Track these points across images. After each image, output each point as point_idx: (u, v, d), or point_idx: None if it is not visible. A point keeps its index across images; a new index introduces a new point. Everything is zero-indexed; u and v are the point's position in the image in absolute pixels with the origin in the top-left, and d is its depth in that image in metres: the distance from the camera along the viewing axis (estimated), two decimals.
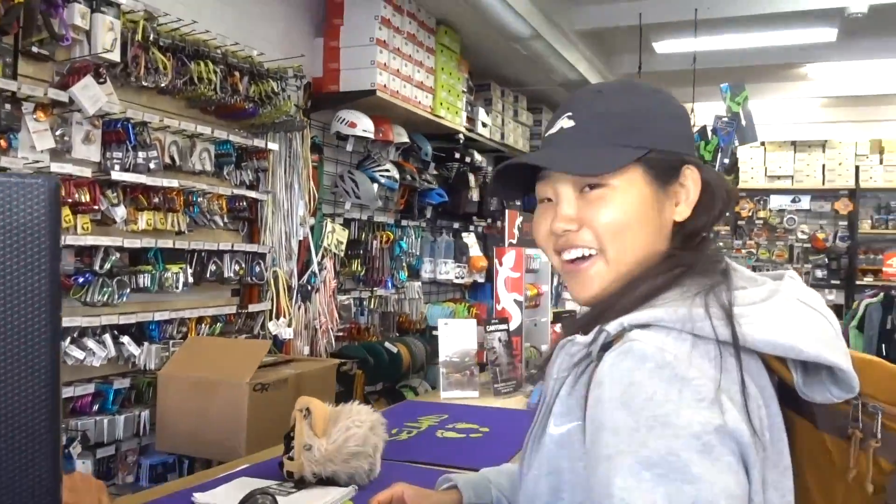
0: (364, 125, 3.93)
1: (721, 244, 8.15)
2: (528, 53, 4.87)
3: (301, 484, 1.26)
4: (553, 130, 0.94)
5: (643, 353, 0.76)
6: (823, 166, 8.05)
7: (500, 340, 2.27)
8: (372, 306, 4.43)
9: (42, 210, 0.48)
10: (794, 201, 8.22)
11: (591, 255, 0.90)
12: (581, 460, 0.80)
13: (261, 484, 1.29)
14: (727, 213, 0.95)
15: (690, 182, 0.91)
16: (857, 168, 7.95)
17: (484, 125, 5.25)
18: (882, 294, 6.04)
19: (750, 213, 8.31)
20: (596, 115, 0.91)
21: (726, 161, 3.84)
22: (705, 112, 4.99)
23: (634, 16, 4.71)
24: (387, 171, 4.16)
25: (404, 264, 4.67)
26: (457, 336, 2.25)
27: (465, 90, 4.92)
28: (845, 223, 8.09)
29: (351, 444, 1.24)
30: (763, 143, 8.02)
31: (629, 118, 0.90)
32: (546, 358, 0.95)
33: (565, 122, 0.92)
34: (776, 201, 8.27)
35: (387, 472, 1.32)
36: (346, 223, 4.22)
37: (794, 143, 8.13)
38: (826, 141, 8.04)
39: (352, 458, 1.24)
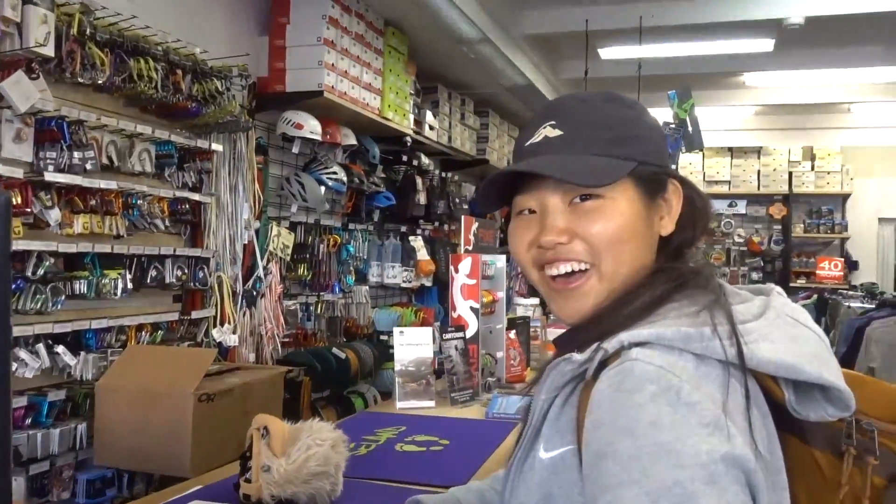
0: (311, 127, 3.85)
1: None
2: (476, 57, 4.86)
3: None
4: (535, 140, 0.90)
5: (645, 373, 0.73)
6: (759, 172, 8.31)
7: (456, 348, 2.23)
8: (319, 311, 4.35)
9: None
10: (730, 206, 8.46)
11: (583, 271, 0.87)
12: (575, 486, 0.76)
13: None
14: (706, 230, 0.94)
15: (673, 196, 0.90)
16: (790, 174, 8.23)
17: (431, 128, 5.22)
18: (815, 296, 6.27)
19: None
20: (585, 124, 0.89)
21: (674, 167, 3.89)
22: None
23: (581, 22, 4.76)
24: (334, 173, 4.09)
25: (351, 268, 4.60)
26: (412, 344, 2.21)
27: (413, 92, 4.88)
28: (779, 227, 8.38)
29: (312, 463, 1.18)
30: (702, 150, 8.25)
31: (618, 129, 0.89)
32: (536, 377, 0.90)
33: (549, 132, 0.89)
34: (714, 206, 8.48)
35: (348, 491, 1.27)
36: (293, 226, 4.13)
37: (731, 150, 8.37)
38: (761, 147, 8.31)
39: (313, 478, 1.19)
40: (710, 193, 8.36)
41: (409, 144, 4.93)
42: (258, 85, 3.88)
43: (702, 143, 4.07)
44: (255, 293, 3.71)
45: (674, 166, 3.91)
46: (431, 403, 2.17)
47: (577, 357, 0.80)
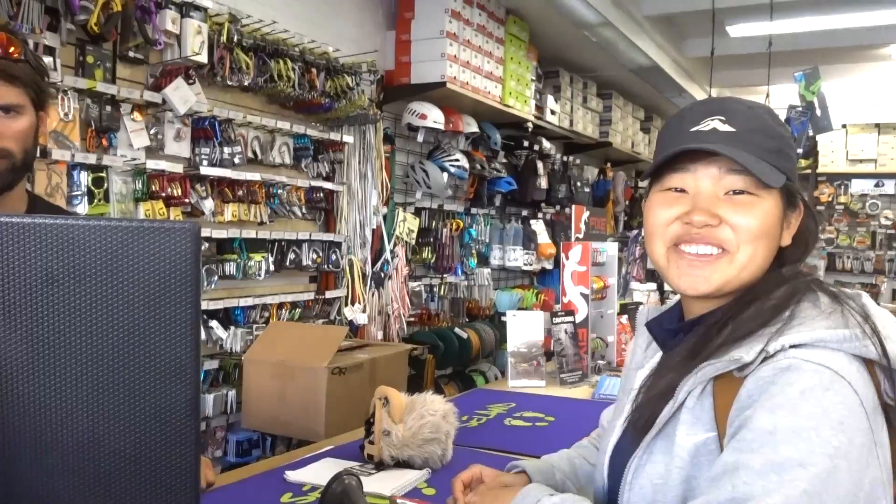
0: (434, 117, 4.03)
1: None
2: (598, 40, 4.86)
3: (380, 466, 1.38)
4: (703, 129, 0.96)
5: (810, 369, 0.84)
6: None
7: (566, 332, 2.34)
8: (442, 293, 4.55)
9: (188, 251, 0.59)
10: (877, 185, 7.91)
11: (718, 253, 0.95)
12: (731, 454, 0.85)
13: (344, 465, 1.42)
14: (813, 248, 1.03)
15: (796, 216, 0.99)
16: None
17: (553, 112, 5.27)
18: None
19: (830, 198, 8.06)
20: (755, 129, 0.96)
21: (800, 151, 3.76)
22: (781, 96, 4.88)
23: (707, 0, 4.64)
24: (456, 160, 4.26)
25: (473, 251, 4.77)
26: (524, 327, 2.34)
27: (534, 78, 4.95)
28: None
29: (425, 430, 1.35)
30: (844, 126, 7.75)
31: (778, 141, 0.97)
32: (677, 377, 0.96)
33: (719, 125, 0.96)
34: (858, 186, 7.99)
35: (458, 456, 1.43)
36: (417, 212, 4.34)
37: (877, 126, 7.82)
38: None
39: (426, 443, 1.36)
40: (854, 173, 7.90)
41: (530, 130, 5.02)
42: (385, 78, 4.10)
43: (831, 125, 3.88)
44: (382, 275, 3.96)
45: (800, 150, 3.77)
46: (542, 383, 2.30)
47: (747, 358, 0.88)
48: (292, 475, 1.33)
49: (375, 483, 1.31)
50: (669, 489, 0.91)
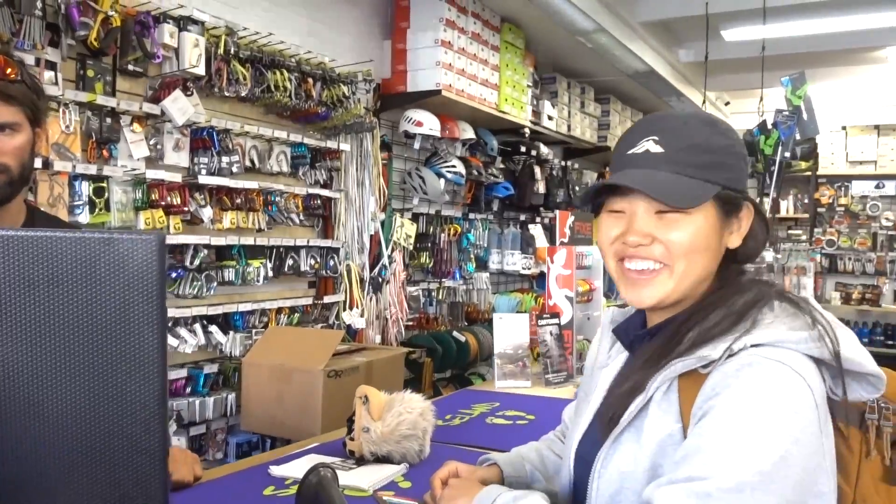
0: (430, 124, 4.10)
1: (800, 231, 7.97)
2: (594, 46, 4.92)
3: (361, 461, 1.45)
4: (637, 150, 1.04)
5: (769, 367, 0.93)
6: None
7: (551, 334, 2.40)
8: (440, 297, 4.62)
9: (154, 258, 0.66)
10: (877, 187, 7.94)
11: (657, 268, 1.03)
12: (692, 439, 0.94)
13: (327, 460, 1.49)
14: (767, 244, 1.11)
15: (745, 217, 1.06)
16: None
17: (550, 118, 5.34)
18: None
19: (830, 200, 8.08)
20: (685, 147, 1.02)
21: (787, 155, 3.81)
22: (775, 99, 4.93)
23: (700, 5, 4.70)
24: (453, 166, 4.33)
25: (472, 256, 4.84)
26: (511, 329, 2.41)
27: (531, 84, 5.02)
28: None
29: (403, 427, 1.41)
30: (844, 128, 7.78)
31: (713, 154, 1.03)
32: (647, 366, 1.05)
33: (651, 146, 1.03)
34: (858, 187, 8.01)
35: (436, 452, 1.49)
36: (415, 217, 4.41)
37: (877, 127, 7.85)
38: None
39: (403, 439, 1.42)
40: (854, 175, 7.92)
41: (527, 135, 5.09)
42: (382, 86, 4.18)
43: (817, 129, 3.93)
44: (380, 280, 4.03)
45: (788, 154, 3.82)
46: (527, 384, 2.36)
47: (714, 355, 0.96)
48: (276, 470, 1.40)
49: (355, 477, 1.38)
50: (636, 477, 0.99)
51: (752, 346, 0.97)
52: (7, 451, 0.65)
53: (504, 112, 4.66)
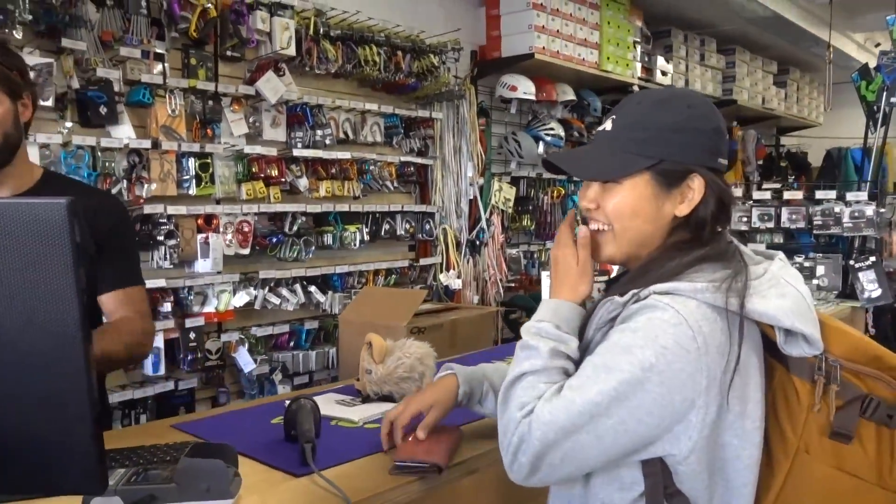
0: (525, 88, 4.15)
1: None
2: None
3: (366, 399, 1.62)
4: (600, 128, 1.19)
5: (657, 307, 1.05)
6: None
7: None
8: (543, 258, 4.68)
9: (62, 222, 0.82)
10: None
11: (603, 230, 1.16)
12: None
13: (339, 398, 1.68)
14: (725, 212, 1.16)
15: (695, 187, 1.13)
16: None
17: (664, 73, 5.18)
18: None
19: None
20: (628, 125, 1.15)
21: (893, 100, 3.45)
22: None
23: None
24: (551, 129, 4.35)
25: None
26: None
27: (639, 40, 4.89)
28: None
29: (400, 370, 1.56)
30: None
31: (652, 132, 1.13)
32: (589, 313, 1.20)
33: (608, 125, 1.17)
34: None
35: None
36: (515, 181, 4.49)
37: None
38: None
39: (401, 381, 1.57)
40: None
41: None
42: (479, 53, 4.27)
43: None
44: (478, 242, 4.17)
45: (893, 99, 3.46)
46: None
47: (619, 299, 1.10)
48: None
49: (352, 411, 1.55)
50: None
51: (655, 293, 1.06)
52: None
53: (607, 71, 4.59)
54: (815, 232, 3.70)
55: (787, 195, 3.87)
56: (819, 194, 3.69)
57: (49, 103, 2.50)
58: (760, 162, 6.55)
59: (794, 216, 3.73)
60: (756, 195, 4.05)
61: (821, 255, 3.66)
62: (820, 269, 3.55)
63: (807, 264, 3.60)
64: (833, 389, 1.08)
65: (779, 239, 3.86)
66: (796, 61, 6.86)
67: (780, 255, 1.19)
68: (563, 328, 1.12)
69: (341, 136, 3.53)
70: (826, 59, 5.05)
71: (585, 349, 1.15)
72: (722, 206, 1.15)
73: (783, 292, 1.08)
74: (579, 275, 1.18)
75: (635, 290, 1.09)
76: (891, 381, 1.07)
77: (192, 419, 1.61)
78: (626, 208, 1.13)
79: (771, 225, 3.82)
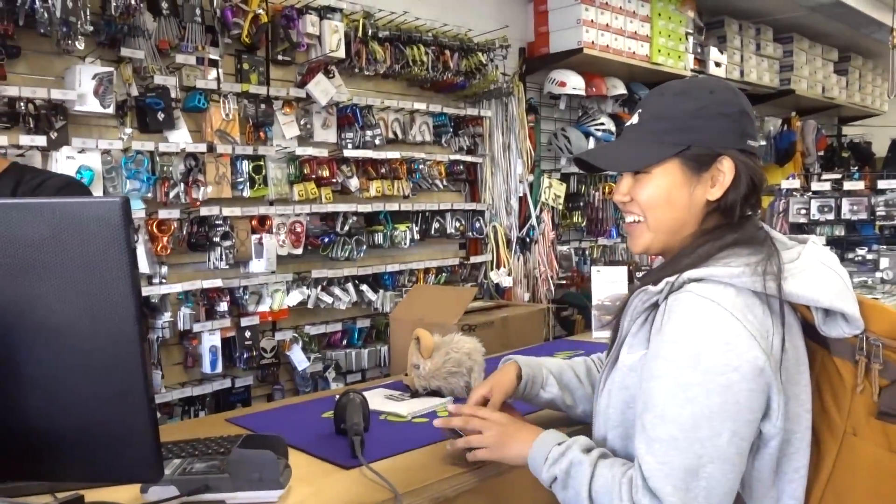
0: (573, 83, 4.12)
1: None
2: None
3: (415, 394, 1.64)
4: (628, 123, 1.22)
5: (693, 301, 1.05)
6: None
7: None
8: (595, 255, 4.64)
9: (118, 219, 0.84)
10: None
11: (638, 221, 1.19)
12: (646, 381, 1.09)
13: (390, 392, 1.70)
14: (756, 194, 1.17)
15: (725, 169, 1.14)
16: None
17: (717, 65, 5.07)
18: None
19: None
20: (653, 117, 1.17)
21: None
22: None
23: None
24: (601, 124, 4.31)
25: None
26: (609, 281, 2.44)
27: (691, 31, 4.80)
28: None
29: (449, 365, 1.57)
30: None
31: (677, 120, 1.15)
32: (623, 304, 1.23)
33: (635, 119, 1.20)
34: None
35: None
36: (565, 178, 4.46)
37: None
38: None
39: (450, 376, 1.58)
40: None
41: None
42: (527, 49, 4.26)
43: None
44: (528, 240, 4.16)
45: None
46: None
47: (653, 289, 1.12)
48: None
49: (403, 406, 1.57)
50: (613, 395, 1.16)
51: (690, 280, 1.06)
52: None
53: (658, 64, 4.52)
54: (878, 223, 3.57)
55: (847, 185, 3.74)
56: (882, 184, 3.56)
57: (110, 110, 2.59)
58: (821, 153, 6.34)
59: (855, 207, 3.61)
60: (815, 186, 3.93)
61: (885, 247, 3.53)
62: (884, 262, 3.43)
63: (870, 257, 3.49)
64: (876, 368, 1.06)
65: (840, 231, 3.74)
66: (857, 48, 6.62)
67: (813, 237, 1.20)
68: (562, 440, 1.15)
69: (391, 135, 3.57)
70: (890, 44, 4.87)
71: (622, 342, 1.16)
72: (753, 188, 1.15)
73: (819, 273, 1.08)
74: (510, 432, 1.22)
75: (668, 279, 1.09)
76: None
77: (245, 413, 1.65)
78: (659, 196, 1.14)
79: (831, 217, 3.71)
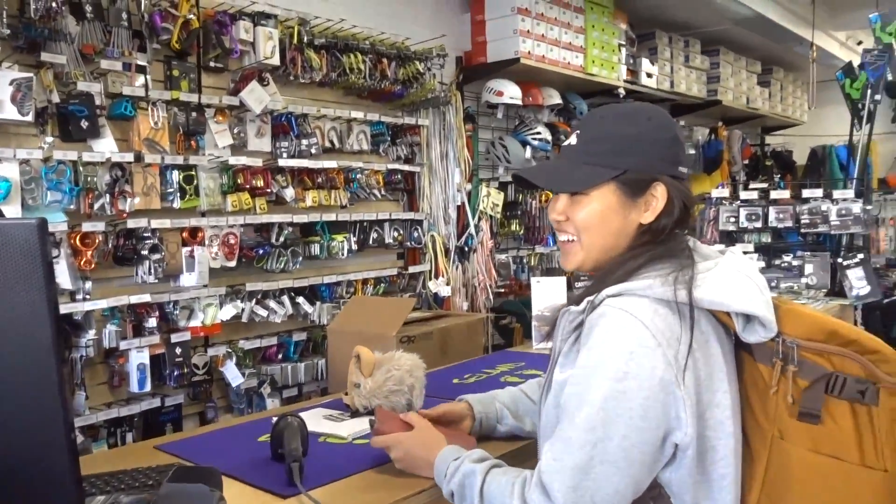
0: (511, 93, 4.14)
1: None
2: None
3: (355, 414, 1.60)
4: (565, 143, 1.25)
5: (610, 314, 1.08)
6: None
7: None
8: (532, 263, 4.67)
9: (35, 241, 0.81)
10: None
11: (572, 241, 1.22)
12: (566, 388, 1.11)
13: (328, 413, 1.65)
14: (686, 218, 1.21)
15: (659, 195, 1.17)
16: None
17: (649, 76, 5.18)
18: None
19: None
20: (592, 139, 1.20)
21: (878, 98, 3.47)
22: None
23: None
24: (538, 133, 4.34)
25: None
26: (548, 292, 2.45)
27: (624, 43, 4.90)
28: None
29: (390, 383, 1.54)
30: None
31: (615, 144, 1.17)
32: (552, 323, 1.25)
33: (573, 139, 1.22)
34: None
35: (429, 406, 1.60)
36: (503, 186, 4.47)
37: None
38: None
39: (391, 394, 1.55)
40: None
41: (622, 96, 4.97)
42: (465, 59, 4.26)
43: None
44: (466, 249, 4.15)
45: (878, 97, 3.48)
46: None
47: (575, 309, 1.15)
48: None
49: (343, 427, 1.53)
50: (550, 412, 1.18)
51: (608, 296, 1.09)
52: None
53: (592, 74, 4.59)
54: (802, 231, 3.71)
55: (773, 195, 3.87)
56: (806, 193, 3.70)
57: (29, 118, 2.46)
58: (746, 161, 6.56)
59: (781, 215, 3.73)
60: (743, 195, 4.06)
61: (809, 253, 3.66)
62: (808, 268, 3.56)
63: (795, 263, 3.61)
64: (791, 370, 1.08)
65: (767, 238, 3.87)
66: (779, 61, 6.89)
67: (735, 248, 1.25)
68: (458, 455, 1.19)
69: (327, 144, 3.51)
70: (810, 58, 5.07)
71: (555, 362, 1.18)
72: (685, 212, 1.19)
73: (731, 279, 1.10)
74: (416, 453, 1.26)
75: (590, 298, 1.12)
76: (855, 355, 1.05)
77: (176, 439, 1.57)
78: (595, 219, 1.17)
79: (759, 225, 3.83)
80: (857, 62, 3.81)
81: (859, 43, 6.70)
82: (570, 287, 2.68)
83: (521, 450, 1.43)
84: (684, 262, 1.13)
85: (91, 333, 2.62)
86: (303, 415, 1.44)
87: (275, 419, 1.37)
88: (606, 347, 1.05)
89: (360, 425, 1.53)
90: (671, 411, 1.04)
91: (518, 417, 1.46)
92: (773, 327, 1.08)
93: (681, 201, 1.17)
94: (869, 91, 3.47)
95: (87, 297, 2.63)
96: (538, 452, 1.23)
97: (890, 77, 3.44)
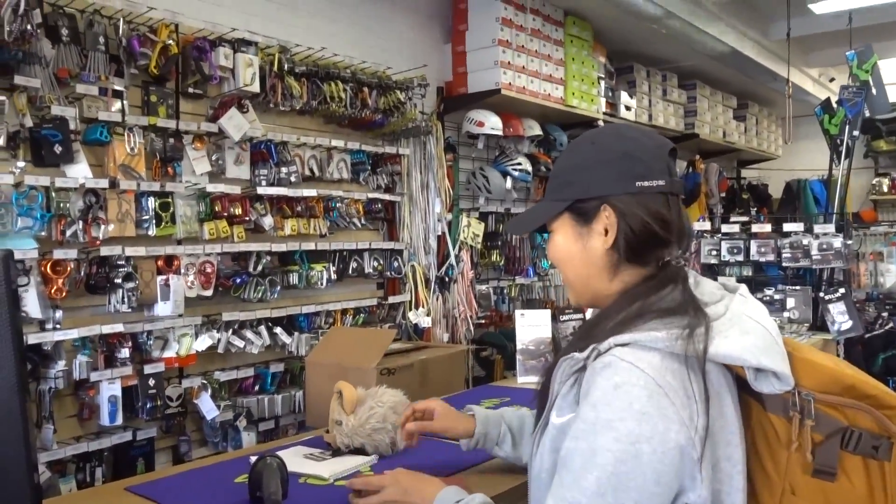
0: (492, 123, 4.14)
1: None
2: (668, 32, 4.78)
3: (337, 453, 1.54)
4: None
5: (618, 366, 1.01)
6: None
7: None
8: (513, 294, 4.64)
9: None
10: None
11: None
12: (566, 440, 1.05)
13: (309, 451, 1.59)
14: (663, 232, 1.11)
15: (607, 219, 1.12)
16: None
17: (627, 108, 5.23)
18: None
19: None
20: (552, 176, 1.20)
21: (856, 133, 3.52)
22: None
23: None
24: (519, 164, 4.34)
25: (546, 252, 4.82)
26: (532, 325, 2.41)
27: (603, 76, 4.94)
28: None
29: (372, 420, 1.48)
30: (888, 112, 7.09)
31: (563, 176, 1.17)
32: (550, 367, 1.18)
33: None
34: None
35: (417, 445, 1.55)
36: (484, 216, 4.46)
37: None
38: None
39: (374, 432, 1.49)
40: None
41: None
42: (445, 89, 4.26)
43: (888, 105, 3.60)
44: (447, 279, 4.11)
45: (856, 132, 3.53)
46: None
47: (579, 356, 1.07)
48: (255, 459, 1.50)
49: (321, 467, 1.46)
50: (545, 457, 1.11)
51: (616, 345, 1.03)
52: None
53: (572, 106, 4.61)
54: (784, 265, 3.71)
55: (755, 228, 3.89)
56: (787, 227, 3.72)
57: (0, 143, 2.39)
58: (723, 194, 6.63)
59: (762, 249, 3.74)
60: (725, 228, 4.07)
61: (790, 287, 3.67)
62: (790, 302, 3.56)
63: (777, 297, 3.61)
64: (808, 425, 1.03)
65: (748, 272, 3.87)
66: (755, 96, 7.01)
67: (742, 288, 1.16)
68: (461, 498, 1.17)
69: (307, 173, 3.47)
70: (785, 94, 5.16)
71: (552, 405, 1.12)
72: (655, 227, 1.10)
73: (746, 329, 1.05)
74: (412, 490, 1.23)
75: (595, 345, 1.06)
76: (870, 409, 1.01)
77: (148, 479, 1.50)
78: (559, 252, 1.17)
79: (741, 258, 3.84)
80: (829, 98, 3.86)
81: (832, 80, 6.85)
82: (554, 319, 2.64)
83: (516, 489, 1.39)
84: (695, 310, 1.07)
85: (61, 364, 2.53)
86: (282, 453, 1.38)
87: (253, 459, 1.31)
88: (616, 405, 0.98)
89: (343, 465, 1.47)
90: (685, 474, 0.99)
91: (517, 446, 1.45)
92: (789, 381, 1.02)
93: (638, 217, 1.10)
94: (847, 127, 3.51)
95: (58, 326, 2.54)
96: (528, 497, 1.18)
97: (867, 114, 3.50)
